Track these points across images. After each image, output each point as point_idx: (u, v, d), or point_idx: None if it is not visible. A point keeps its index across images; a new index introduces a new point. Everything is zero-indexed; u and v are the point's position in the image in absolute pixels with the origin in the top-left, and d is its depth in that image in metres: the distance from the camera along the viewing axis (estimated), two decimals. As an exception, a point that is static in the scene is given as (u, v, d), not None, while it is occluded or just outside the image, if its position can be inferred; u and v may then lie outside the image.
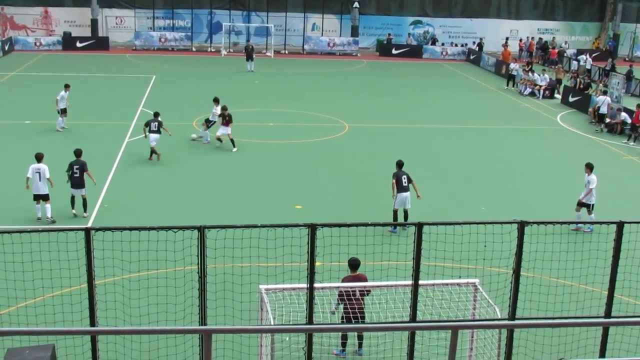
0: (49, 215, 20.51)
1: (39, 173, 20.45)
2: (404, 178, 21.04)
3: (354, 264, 14.36)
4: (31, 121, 31.84)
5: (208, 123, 30.12)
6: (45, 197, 20.53)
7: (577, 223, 19.62)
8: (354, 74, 51.62)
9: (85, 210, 21.12)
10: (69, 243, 11.59)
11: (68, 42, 57.47)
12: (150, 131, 26.97)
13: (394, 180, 21.03)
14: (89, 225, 19.82)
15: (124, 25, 61.63)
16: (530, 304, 13.10)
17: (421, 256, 11.62)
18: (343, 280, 14.26)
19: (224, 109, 29.16)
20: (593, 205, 21.30)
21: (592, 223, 12.29)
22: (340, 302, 13.50)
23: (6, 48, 53.69)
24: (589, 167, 21.74)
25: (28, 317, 12.63)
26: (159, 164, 26.56)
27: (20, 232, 10.92)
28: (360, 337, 14.50)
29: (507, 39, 62.34)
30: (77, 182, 20.97)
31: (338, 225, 11.74)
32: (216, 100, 30.37)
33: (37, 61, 50.98)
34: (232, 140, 28.86)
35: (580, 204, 21.42)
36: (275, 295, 12.60)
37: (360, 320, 13.33)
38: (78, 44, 57.47)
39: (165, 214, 21.32)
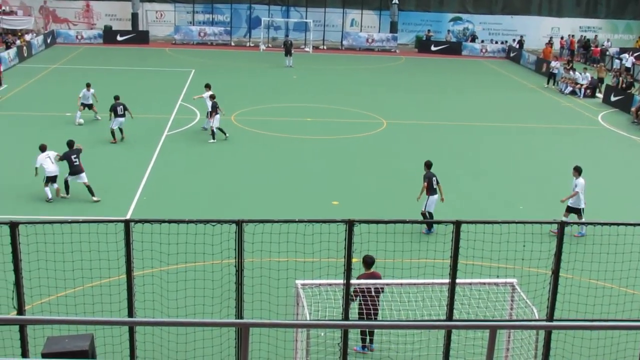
0: (51, 196, 22.01)
1: (50, 158, 21.93)
2: (435, 180, 20.62)
3: (369, 262, 14.40)
4: (71, 113, 32.17)
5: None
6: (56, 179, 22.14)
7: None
8: (393, 70, 51.44)
9: (94, 195, 22.00)
10: (108, 234, 11.71)
11: (109, 35, 58.08)
12: (117, 115, 28.11)
13: (426, 183, 20.52)
14: (128, 217, 20.04)
15: (163, 19, 62.08)
16: (569, 306, 12.96)
17: (459, 255, 11.55)
18: (358, 278, 14.24)
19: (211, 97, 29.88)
20: (583, 209, 20.79)
21: (634, 225, 12.10)
22: (355, 298, 13.50)
23: (48, 41, 54.42)
24: (577, 171, 21.01)
25: (68, 307, 12.79)
26: (198, 157, 26.72)
27: (61, 222, 11.06)
28: (371, 334, 14.49)
29: (551, 38, 61.71)
30: (78, 169, 22.09)
31: (375, 222, 11.70)
32: (207, 86, 31.07)
33: (78, 54, 51.61)
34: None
35: (569, 209, 20.89)
36: (311, 290, 12.61)
37: (373, 317, 13.35)
38: (118, 38, 58.05)
39: (204, 207, 21.45)
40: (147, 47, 56.83)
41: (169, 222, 11.00)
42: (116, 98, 28.44)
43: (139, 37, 58.54)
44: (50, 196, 21.80)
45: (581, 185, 20.83)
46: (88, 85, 31.80)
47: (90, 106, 31.49)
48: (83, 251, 11.96)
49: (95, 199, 21.82)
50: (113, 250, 11.94)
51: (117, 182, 23.62)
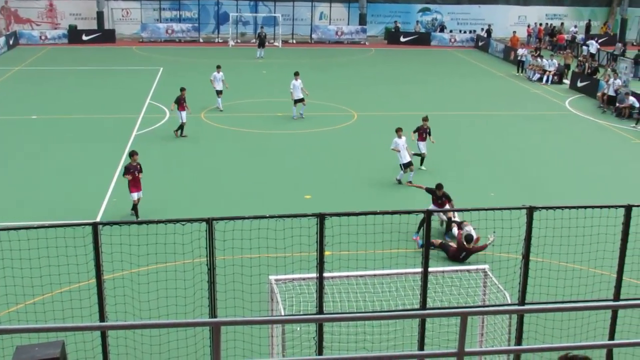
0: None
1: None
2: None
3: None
4: (37, 116, 31.87)
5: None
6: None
7: None
8: (362, 63, 51.45)
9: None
10: (76, 238, 11.60)
11: (74, 35, 57.29)
12: None
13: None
14: (98, 219, 19.88)
15: (130, 17, 61.48)
16: (540, 289, 13.10)
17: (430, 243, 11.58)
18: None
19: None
20: (402, 164, 23.80)
21: (601, 207, 12.25)
22: None
23: (11, 42, 53.40)
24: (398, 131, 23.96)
25: (37, 314, 12.66)
26: (168, 156, 26.55)
27: (27, 228, 10.93)
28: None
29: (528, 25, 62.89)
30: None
31: (347, 215, 11.71)
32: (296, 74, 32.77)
33: (42, 55, 50.93)
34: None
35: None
36: (285, 285, 12.61)
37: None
38: (84, 37, 57.26)
39: (174, 207, 21.33)
40: (113, 46, 56.26)
41: (138, 223, 10.95)
42: None
43: (105, 36, 57.90)
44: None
45: (395, 143, 23.88)
46: (218, 68, 34.05)
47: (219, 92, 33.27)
48: (51, 257, 11.82)
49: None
50: (82, 254, 11.83)
51: (86, 184, 23.42)
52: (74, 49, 54.46)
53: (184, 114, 28.99)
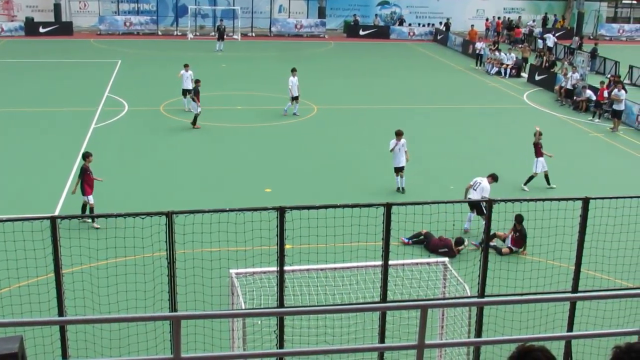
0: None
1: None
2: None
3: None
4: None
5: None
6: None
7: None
8: (322, 56, 51.47)
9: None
10: (34, 232, 11.45)
11: (30, 27, 56.42)
12: None
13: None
14: (57, 213, 19.62)
15: (87, 9, 60.71)
16: (500, 281, 13.22)
17: (390, 236, 11.64)
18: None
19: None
20: (395, 168, 22.85)
21: (559, 200, 12.43)
22: None
23: (-34, 35, 52.57)
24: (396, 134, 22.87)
25: (-6, 309, 12.48)
26: (127, 150, 26.31)
27: (-16, 222, 10.75)
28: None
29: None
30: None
31: (307, 208, 11.71)
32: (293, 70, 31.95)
33: (-2, 48, 50.15)
34: None
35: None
36: (245, 279, 12.57)
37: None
38: (41, 30, 56.43)
39: (134, 201, 21.09)
40: (71, 39, 55.55)
41: (97, 216, 10.82)
42: None
43: (63, 28, 57.12)
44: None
45: (391, 144, 22.77)
46: (186, 66, 32.53)
47: (188, 92, 31.69)
48: (8, 251, 11.65)
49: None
50: (40, 248, 11.68)
51: (44, 178, 23.10)
52: (31, 41, 53.65)
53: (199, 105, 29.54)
